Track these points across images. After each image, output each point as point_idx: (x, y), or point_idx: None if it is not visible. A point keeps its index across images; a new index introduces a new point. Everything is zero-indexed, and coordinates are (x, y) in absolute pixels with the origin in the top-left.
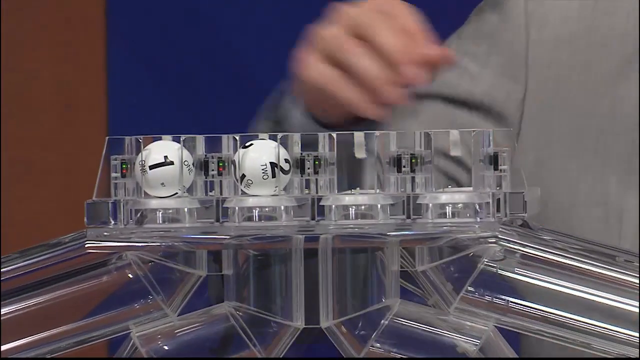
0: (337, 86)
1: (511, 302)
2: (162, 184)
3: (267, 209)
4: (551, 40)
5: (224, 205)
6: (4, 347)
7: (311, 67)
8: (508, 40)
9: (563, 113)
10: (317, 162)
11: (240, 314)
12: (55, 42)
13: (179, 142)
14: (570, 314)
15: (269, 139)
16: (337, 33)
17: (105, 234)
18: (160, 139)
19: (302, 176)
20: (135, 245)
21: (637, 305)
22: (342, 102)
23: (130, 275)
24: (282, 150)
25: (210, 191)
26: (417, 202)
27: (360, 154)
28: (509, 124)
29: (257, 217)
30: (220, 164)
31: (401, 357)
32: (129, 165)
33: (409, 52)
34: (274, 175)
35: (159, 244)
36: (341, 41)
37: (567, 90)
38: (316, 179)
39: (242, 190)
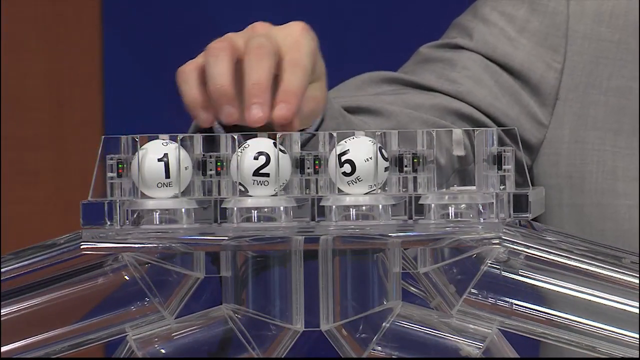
0: (182, 78)
1: (515, 304)
2: (159, 184)
3: (266, 210)
4: (591, 14)
5: (222, 206)
6: None
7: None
8: (550, 10)
9: (600, 90)
10: (317, 162)
11: (239, 316)
12: (48, 38)
13: (175, 141)
14: (576, 316)
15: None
16: (222, 39)
17: (101, 235)
18: (156, 138)
19: (302, 176)
20: (131, 247)
21: None
22: (181, 94)
23: (127, 277)
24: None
25: (208, 191)
26: (419, 202)
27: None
28: (544, 100)
29: (256, 218)
30: (219, 164)
31: None
32: (125, 165)
33: (262, 89)
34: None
35: (155, 245)
36: (215, 42)
37: (604, 67)
38: (316, 179)
39: (239, 189)
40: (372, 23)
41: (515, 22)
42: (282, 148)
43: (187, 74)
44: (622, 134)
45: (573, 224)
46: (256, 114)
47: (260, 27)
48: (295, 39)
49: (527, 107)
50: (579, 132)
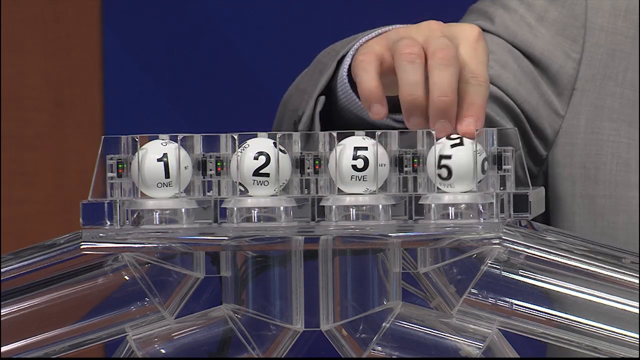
0: (362, 66)
1: (515, 304)
2: (159, 184)
3: (266, 210)
4: (608, 7)
5: (222, 206)
6: None
7: (365, 48)
8: (568, 1)
9: (616, 82)
10: (317, 162)
11: (239, 316)
12: (48, 38)
13: (175, 141)
14: (576, 316)
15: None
16: (412, 40)
17: (101, 235)
18: (156, 138)
19: (302, 176)
20: (131, 247)
21: None
22: (358, 81)
23: (127, 277)
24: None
25: (208, 191)
26: (419, 202)
27: None
28: (561, 90)
29: (256, 218)
30: (218, 164)
31: None
32: (125, 165)
33: (451, 103)
34: None
35: (155, 245)
36: (407, 44)
37: (620, 59)
38: (316, 179)
39: (239, 189)
40: (385, 11)
41: (535, 10)
42: (282, 148)
43: (368, 64)
44: (637, 127)
45: (585, 215)
46: (444, 130)
47: (436, 27)
48: (473, 47)
49: (545, 96)
50: (595, 123)
